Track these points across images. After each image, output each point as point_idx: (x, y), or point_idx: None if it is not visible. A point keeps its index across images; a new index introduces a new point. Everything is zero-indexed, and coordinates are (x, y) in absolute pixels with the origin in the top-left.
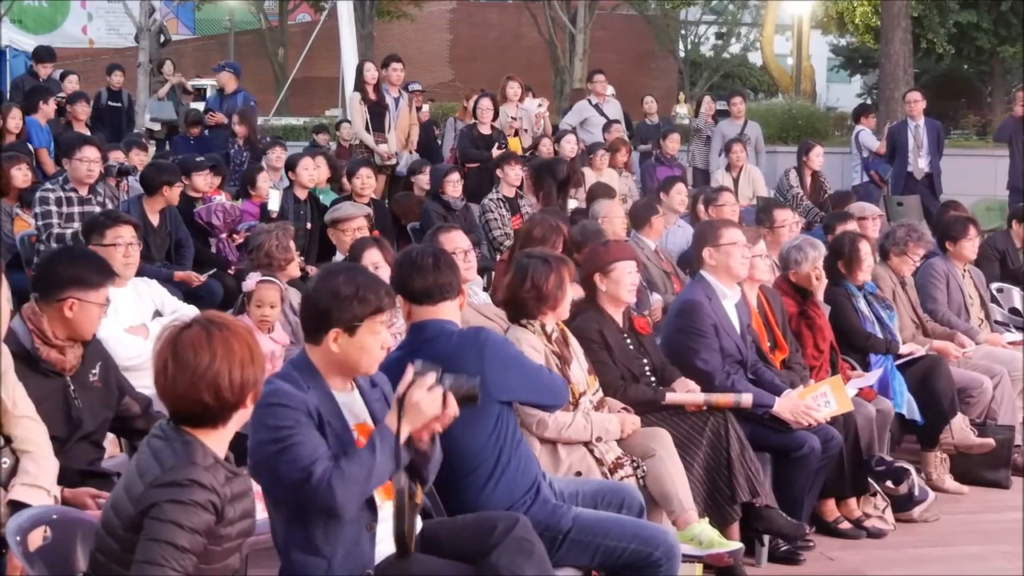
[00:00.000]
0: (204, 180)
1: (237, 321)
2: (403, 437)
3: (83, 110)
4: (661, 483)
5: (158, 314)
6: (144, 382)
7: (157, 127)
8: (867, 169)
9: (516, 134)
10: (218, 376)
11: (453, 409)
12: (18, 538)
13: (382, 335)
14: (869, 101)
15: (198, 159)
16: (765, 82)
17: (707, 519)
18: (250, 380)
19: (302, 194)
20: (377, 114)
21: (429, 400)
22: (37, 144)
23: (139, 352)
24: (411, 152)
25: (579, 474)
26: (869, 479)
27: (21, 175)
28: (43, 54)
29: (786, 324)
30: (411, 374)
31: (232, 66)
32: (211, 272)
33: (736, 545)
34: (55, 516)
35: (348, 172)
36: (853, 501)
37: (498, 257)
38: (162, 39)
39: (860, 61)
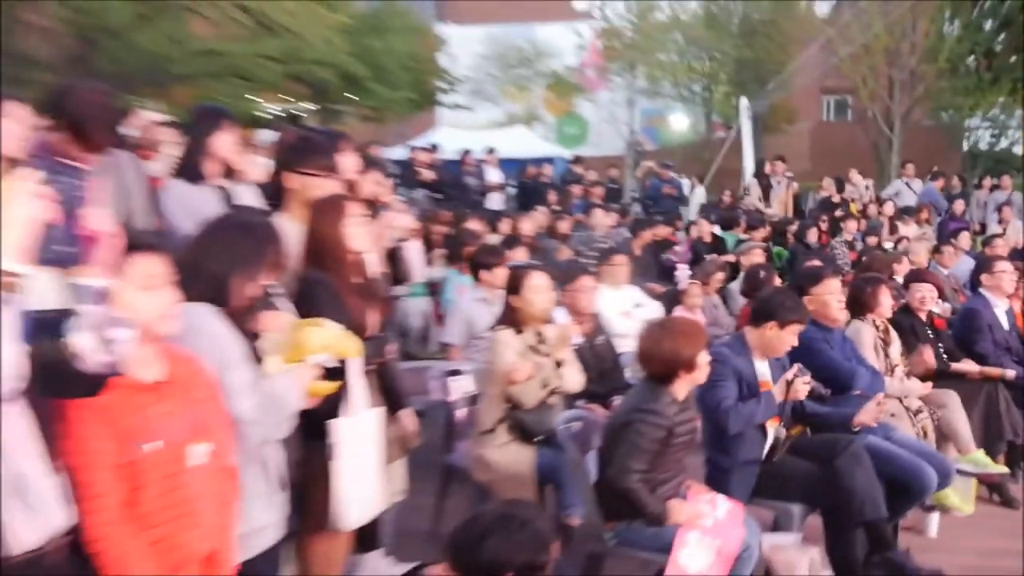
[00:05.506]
0: None
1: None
2: (779, 397)
3: None
4: (951, 425)
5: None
6: None
7: None
8: None
9: (853, 202)
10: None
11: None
12: None
13: (795, 337)
14: None
15: None
16: None
17: (982, 450)
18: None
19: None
20: (765, 188)
21: (778, 391)
22: None
23: None
24: (788, 214)
25: (892, 415)
26: None
27: None
28: None
29: None
30: (790, 375)
31: None
32: None
33: (1003, 469)
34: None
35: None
36: None
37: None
38: None
39: None
